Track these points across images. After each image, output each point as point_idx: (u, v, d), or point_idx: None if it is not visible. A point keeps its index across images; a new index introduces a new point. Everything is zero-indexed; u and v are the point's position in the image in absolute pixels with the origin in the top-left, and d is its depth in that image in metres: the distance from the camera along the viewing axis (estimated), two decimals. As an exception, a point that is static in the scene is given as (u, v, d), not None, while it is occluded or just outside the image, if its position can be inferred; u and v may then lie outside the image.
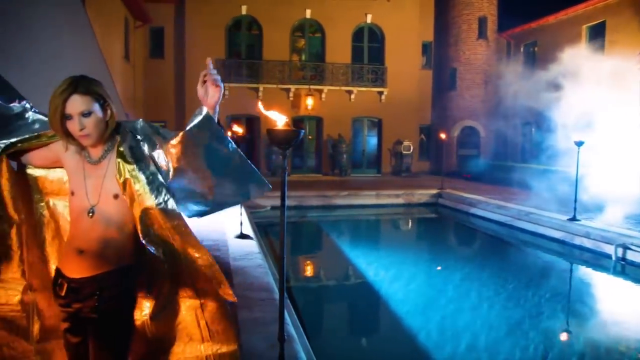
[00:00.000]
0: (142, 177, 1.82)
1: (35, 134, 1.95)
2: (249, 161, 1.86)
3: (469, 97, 20.42)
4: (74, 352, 1.95)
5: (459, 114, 20.71)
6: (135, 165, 1.83)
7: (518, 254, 9.89)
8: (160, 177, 1.83)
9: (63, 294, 1.88)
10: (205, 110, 1.72)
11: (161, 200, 1.80)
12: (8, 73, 3.69)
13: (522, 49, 20.67)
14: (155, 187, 1.81)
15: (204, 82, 1.75)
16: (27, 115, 1.99)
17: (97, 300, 1.85)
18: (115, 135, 1.90)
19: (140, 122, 1.92)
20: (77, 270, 1.86)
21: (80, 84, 1.78)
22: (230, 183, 1.84)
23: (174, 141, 1.76)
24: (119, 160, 1.84)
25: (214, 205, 1.87)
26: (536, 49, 19.81)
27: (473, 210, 12.54)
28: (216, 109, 1.77)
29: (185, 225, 1.82)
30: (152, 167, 1.84)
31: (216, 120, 1.76)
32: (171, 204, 1.81)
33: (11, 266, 1.99)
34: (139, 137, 1.88)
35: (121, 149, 1.85)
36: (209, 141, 1.74)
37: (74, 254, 1.87)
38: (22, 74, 3.88)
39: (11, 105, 1.98)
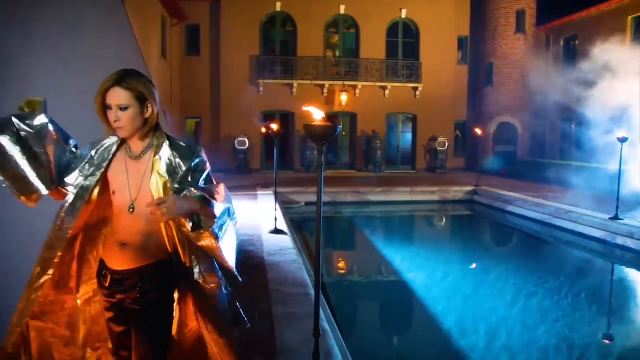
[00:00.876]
0: (171, 190, 1.89)
1: (97, 175, 1.97)
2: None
3: (506, 92, 19.96)
4: (118, 341, 2.02)
5: (495, 110, 20.29)
6: (169, 179, 1.90)
7: (558, 253, 9.65)
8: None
9: (107, 284, 1.95)
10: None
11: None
12: (55, 72, 3.83)
13: (561, 43, 20.07)
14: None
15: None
16: (79, 154, 2.04)
17: (139, 292, 1.90)
18: (158, 133, 1.95)
19: (199, 156, 1.97)
20: (120, 263, 1.92)
21: (125, 79, 1.83)
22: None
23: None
24: (154, 174, 1.90)
25: None
26: (577, 42, 19.20)
27: (510, 208, 12.29)
28: (187, 209, 1.79)
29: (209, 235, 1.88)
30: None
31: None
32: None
33: (67, 276, 2.05)
34: (180, 162, 1.93)
35: (157, 157, 1.91)
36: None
37: (117, 246, 1.93)
38: (67, 73, 4.01)
39: (68, 150, 2.03)
